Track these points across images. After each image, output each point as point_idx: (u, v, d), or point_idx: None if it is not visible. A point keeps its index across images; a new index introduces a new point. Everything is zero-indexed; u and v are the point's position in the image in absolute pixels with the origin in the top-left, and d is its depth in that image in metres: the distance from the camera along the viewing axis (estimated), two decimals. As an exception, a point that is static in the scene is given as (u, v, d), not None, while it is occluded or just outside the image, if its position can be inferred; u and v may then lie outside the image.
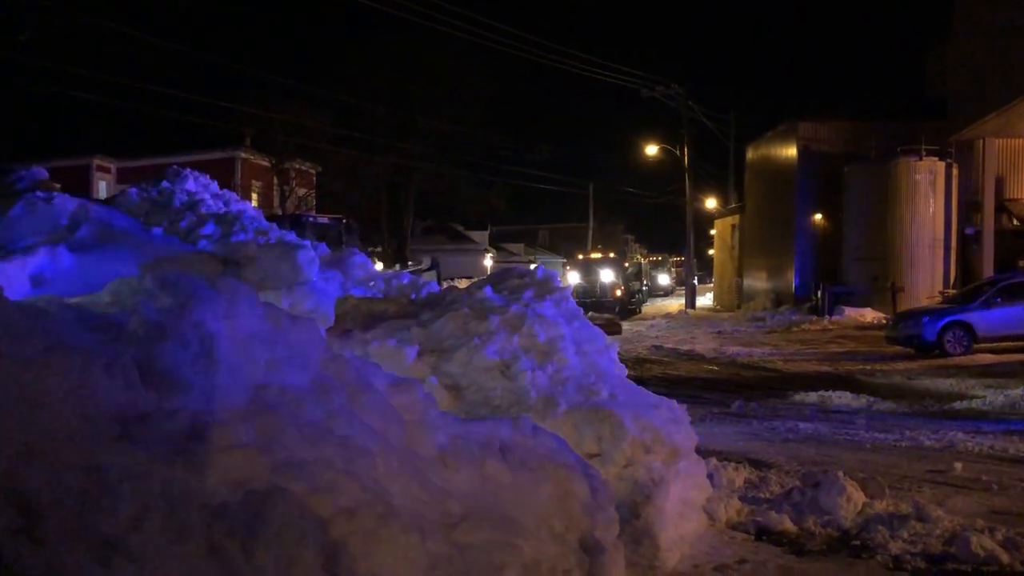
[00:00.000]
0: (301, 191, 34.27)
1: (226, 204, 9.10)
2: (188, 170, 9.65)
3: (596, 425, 4.83)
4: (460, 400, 5.10)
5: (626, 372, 5.81)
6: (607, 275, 32.43)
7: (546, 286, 6.24)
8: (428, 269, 13.15)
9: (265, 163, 32.98)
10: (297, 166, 33.83)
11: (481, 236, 59.28)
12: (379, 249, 39.69)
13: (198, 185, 9.39)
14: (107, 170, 33.34)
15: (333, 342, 5.34)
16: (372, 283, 7.63)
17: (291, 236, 9.36)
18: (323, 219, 14.20)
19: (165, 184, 9.24)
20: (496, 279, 6.47)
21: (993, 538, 4.60)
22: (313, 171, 35.42)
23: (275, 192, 33.43)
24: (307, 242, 8.16)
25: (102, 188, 32.81)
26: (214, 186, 9.66)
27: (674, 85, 35.67)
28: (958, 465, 6.59)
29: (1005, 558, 4.36)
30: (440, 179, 39.69)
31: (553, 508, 3.46)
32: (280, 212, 32.45)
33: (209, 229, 8.23)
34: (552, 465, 3.58)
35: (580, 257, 36.51)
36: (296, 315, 4.76)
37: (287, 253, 6.80)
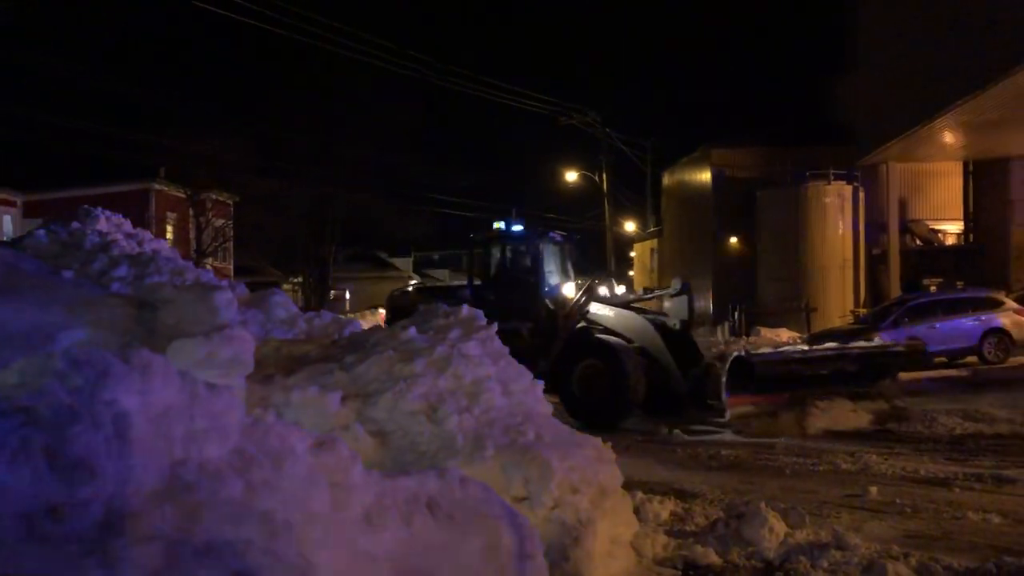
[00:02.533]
0: (218, 222, 33.56)
1: (140, 244, 8.86)
2: (100, 209, 9.36)
3: (524, 467, 4.83)
4: (386, 447, 5.04)
5: (552, 409, 5.83)
6: None
7: (471, 325, 6.23)
8: (678, 293, 12.21)
9: (180, 194, 32.23)
10: (214, 197, 33.14)
11: (405, 263, 59.05)
12: (299, 280, 39.13)
13: (110, 225, 9.12)
14: (12, 203, 32.11)
15: (254, 390, 5.24)
16: (294, 323, 7.52)
17: (208, 276, 9.16)
18: (558, 236, 13.83)
19: (75, 224, 8.93)
20: (420, 319, 6.43)
21: (907, 564, 4.75)
22: (230, 201, 34.74)
23: (191, 224, 32.66)
24: (225, 282, 8.00)
25: (6, 222, 31.57)
26: (127, 225, 9.39)
27: (591, 112, 36.27)
28: (873, 489, 6.81)
29: (919, 584, 4.51)
30: (362, 207, 39.41)
31: (482, 560, 3.45)
32: (196, 245, 31.73)
33: (123, 271, 7.98)
34: (480, 517, 3.57)
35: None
36: (211, 372, 4.66)
37: (204, 295, 6.59)
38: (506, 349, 6.11)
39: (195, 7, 22.53)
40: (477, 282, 13.76)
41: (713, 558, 5.13)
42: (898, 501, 6.50)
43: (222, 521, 2.08)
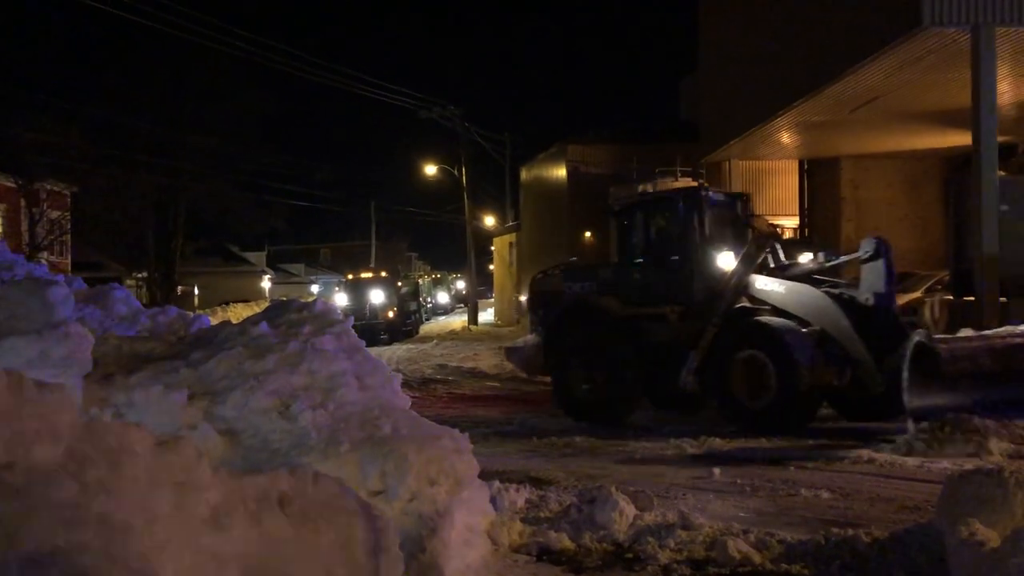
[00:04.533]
0: (54, 214, 31.51)
1: (-37, 237, 8.25)
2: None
3: (380, 461, 4.81)
4: (236, 446, 4.90)
5: (410, 402, 5.82)
6: (378, 296, 30.73)
7: (326, 319, 6.13)
8: (871, 257, 9.26)
9: (10, 184, 30.05)
10: (49, 187, 31.07)
11: (258, 257, 57.38)
12: (145, 274, 37.34)
13: (-73, 216, 8.44)
14: None
15: (92, 390, 4.98)
16: (136, 320, 7.17)
17: (42, 270, 8.61)
18: (719, 195, 11.17)
19: None
20: (272, 313, 6.28)
21: (747, 540, 5.03)
22: (67, 192, 32.68)
23: (23, 215, 30.52)
24: (60, 277, 7.53)
25: None
26: (-53, 217, 8.72)
27: (451, 107, 36.35)
28: (716, 471, 7.17)
29: (757, 558, 4.78)
30: (212, 198, 37.98)
31: (336, 556, 3.42)
32: (29, 238, 29.70)
33: (-58, 266, 7.42)
34: (333, 512, 3.53)
35: (351, 277, 33.95)
36: (44, 371, 4.39)
37: (36, 291, 6.22)
38: (362, 343, 6.02)
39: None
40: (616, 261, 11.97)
41: (566, 543, 5.27)
42: (739, 481, 6.87)
43: (55, 525, 1.98)
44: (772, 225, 27.66)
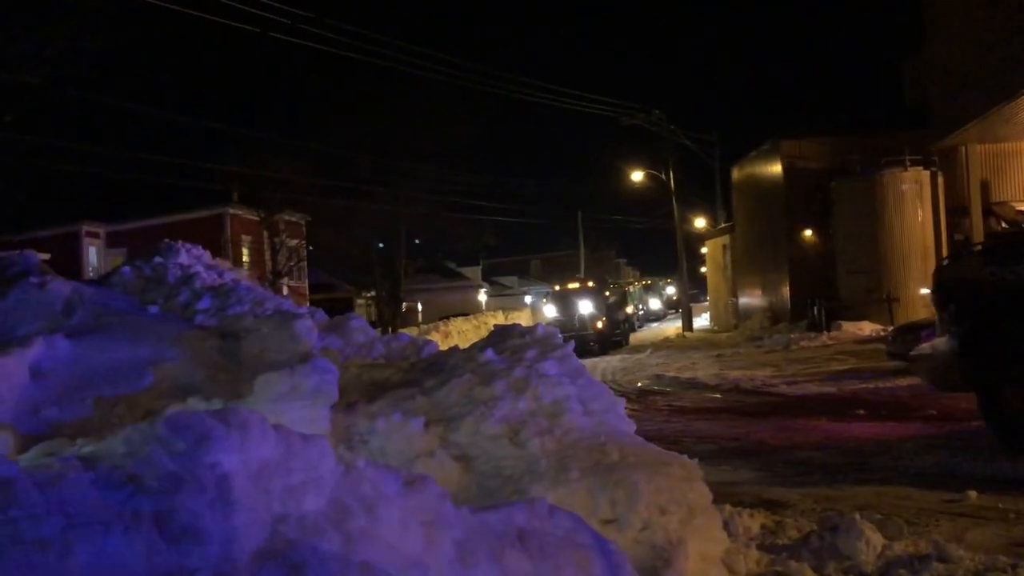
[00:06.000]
0: (292, 242, 34.34)
1: (220, 275, 9.09)
2: (180, 243, 9.65)
3: (610, 490, 4.79)
4: (471, 472, 5.06)
5: (635, 427, 5.76)
6: (586, 307, 30.44)
7: (548, 343, 6.21)
8: None
9: (254, 217, 33.05)
10: (286, 218, 33.91)
11: (473, 272, 59.58)
12: (372, 294, 39.74)
13: (191, 257, 9.38)
14: (96, 235, 33.36)
15: (338, 419, 5.32)
16: (372, 347, 7.61)
17: (289, 305, 9.34)
18: None
19: (158, 259, 9.21)
20: (496, 339, 6.45)
21: (1016, 575, 4.56)
22: (302, 221, 35.52)
23: (266, 245, 33.48)
24: (304, 309, 8.14)
25: (91, 253, 32.79)
26: (207, 257, 9.65)
27: (655, 111, 36.01)
28: (972, 493, 6.56)
29: (1031, 598, 4.32)
30: (429, 219, 39.86)
31: (575, 592, 3.43)
32: (272, 266, 32.42)
33: (206, 303, 8.18)
34: (570, 546, 3.55)
35: (558, 288, 33.72)
36: (295, 403, 4.74)
37: (285, 323, 6.76)
38: (584, 367, 6.06)
39: (245, 32, 23.13)
40: None
41: (808, 573, 5.01)
42: (1000, 506, 6.24)
43: (325, 575, 2.11)
44: (1020, 212, 25.20)
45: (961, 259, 10.33)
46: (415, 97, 35.58)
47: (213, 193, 32.16)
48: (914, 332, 16.55)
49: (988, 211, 24.67)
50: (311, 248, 36.58)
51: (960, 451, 8.48)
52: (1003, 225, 25.30)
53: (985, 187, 24.52)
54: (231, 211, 33.75)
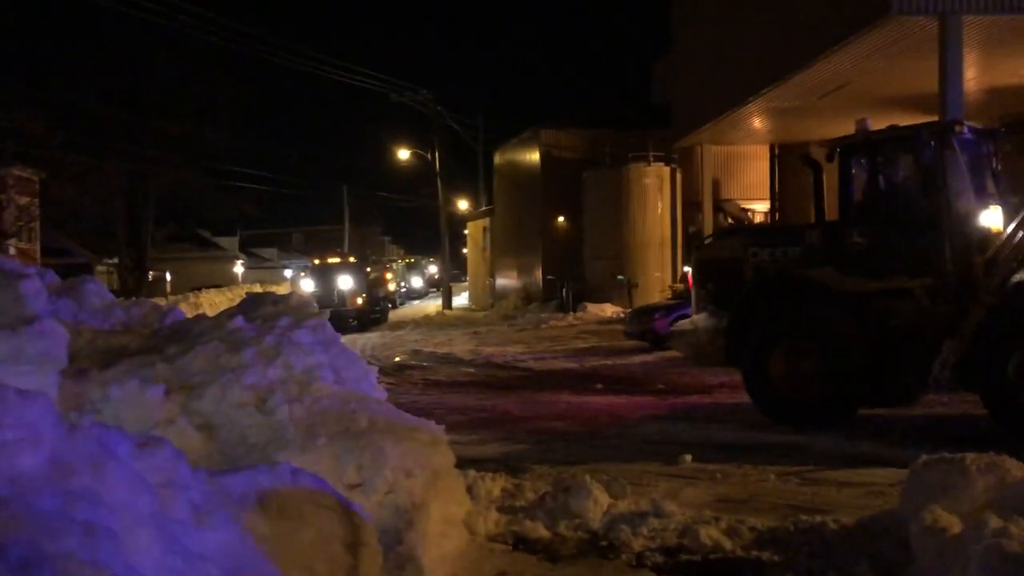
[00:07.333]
0: (22, 200, 31.07)
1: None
2: None
3: (357, 454, 4.87)
4: (214, 440, 4.93)
5: (387, 395, 5.87)
6: (346, 282, 30.00)
7: (302, 312, 6.15)
8: None
9: (-23, 170, 29.59)
10: (16, 172, 30.61)
11: (230, 242, 56.97)
12: (115, 261, 36.98)
13: None
14: None
15: (68, 386, 4.98)
16: (110, 312, 7.15)
17: (14, 265, 8.52)
18: (976, 131, 8.72)
19: None
20: (248, 307, 6.29)
21: (718, 527, 5.15)
22: (36, 178, 32.22)
23: (-10, 202, 30.09)
24: (32, 269, 7.48)
25: None
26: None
27: (423, 90, 36.18)
28: (687, 457, 7.30)
29: (728, 545, 4.90)
30: (183, 184, 37.62)
31: (316, 553, 3.47)
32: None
33: (-89, 260, 7.33)
34: (312, 509, 3.59)
35: (317, 263, 32.88)
36: (19, 368, 4.40)
37: (8, 284, 6.21)
38: (338, 336, 6.06)
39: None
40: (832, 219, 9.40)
41: (542, 531, 5.36)
42: (710, 468, 6.99)
43: (40, 534, 2.01)
44: (743, 209, 27.93)
45: (721, 239, 10.80)
46: (172, 52, 33.40)
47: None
48: (648, 314, 17.98)
49: (718, 207, 27.24)
50: (45, 208, 33.25)
51: (680, 420, 9.41)
52: (729, 220, 27.98)
53: (716, 185, 27.03)
54: (-51, 162, 29.96)
